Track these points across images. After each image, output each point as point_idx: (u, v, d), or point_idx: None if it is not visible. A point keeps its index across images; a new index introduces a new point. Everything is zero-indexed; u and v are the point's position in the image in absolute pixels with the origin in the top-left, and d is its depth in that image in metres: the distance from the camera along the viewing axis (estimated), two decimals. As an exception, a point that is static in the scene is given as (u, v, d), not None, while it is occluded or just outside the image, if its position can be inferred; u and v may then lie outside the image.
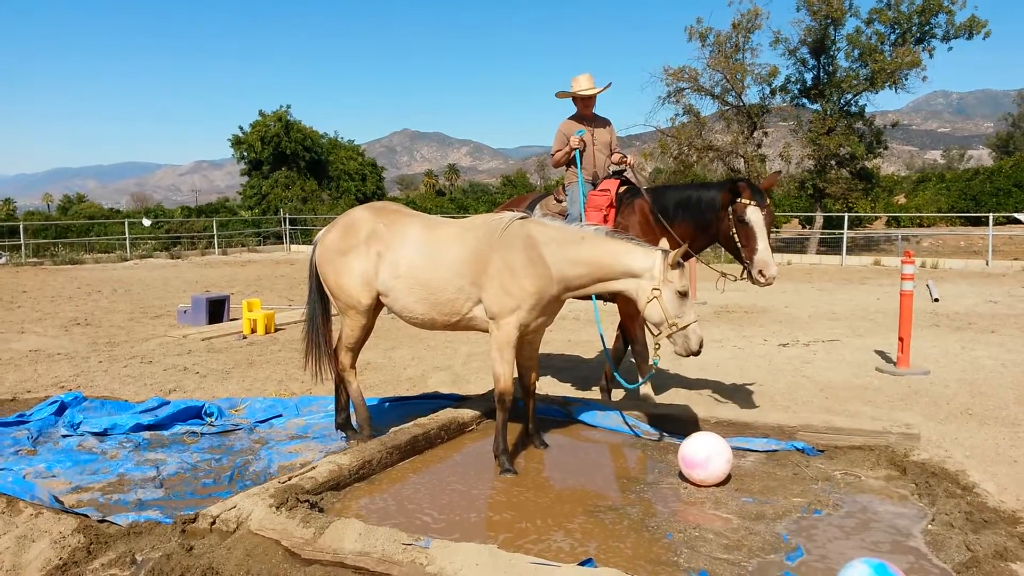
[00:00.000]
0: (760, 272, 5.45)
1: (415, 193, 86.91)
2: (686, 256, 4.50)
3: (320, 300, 5.36)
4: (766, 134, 30.23)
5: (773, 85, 29.00)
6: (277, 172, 47.49)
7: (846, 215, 25.93)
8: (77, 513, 3.85)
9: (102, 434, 5.41)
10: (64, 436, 5.40)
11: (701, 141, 29.16)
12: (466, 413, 5.34)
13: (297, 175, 47.86)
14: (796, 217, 37.16)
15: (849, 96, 27.99)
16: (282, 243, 34.88)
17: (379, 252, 4.90)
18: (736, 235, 5.52)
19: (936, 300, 13.46)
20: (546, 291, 4.45)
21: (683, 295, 4.22)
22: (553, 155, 6.40)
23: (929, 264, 21.42)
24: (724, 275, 5.93)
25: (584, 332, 10.55)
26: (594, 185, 6.26)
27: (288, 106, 47.79)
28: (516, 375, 5.11)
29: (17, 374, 7.94)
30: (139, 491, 4.35)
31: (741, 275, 5.67)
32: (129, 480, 4.54)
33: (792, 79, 29.37)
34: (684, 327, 4.24)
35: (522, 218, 4.62)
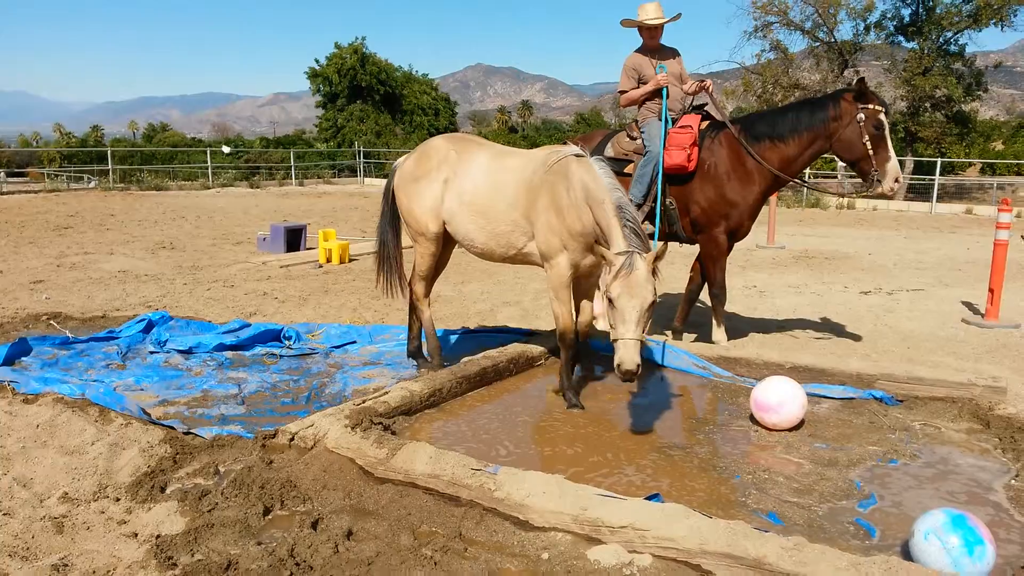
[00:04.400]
0: (896, 180, 5.48)
1: (487, 129, 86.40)
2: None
3: (392, 223, 5.39)
4: (857, 72, 28.75)
5: (868, 21, 27.63)
6: (352, 105, 47.92)
7: (938, 160, 24.63)
8: (164, 425, 4.06)
9: (187, 352, 5.65)
10: (151, 352, 5.66)
11: (788, 79, 27.98)
12: (534, 348, 5.36)
13: (372, 108, 48.21)
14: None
15: (949, 34, 26.38)
16: (356, 176, 35.27)
17: (447, 178, 4.89)
18: (868, 142, 5.45)
19: (1031, 252, 12.77)
20: (590, 234, 4.18)
21: (611, 302, 3.72)
22: (624, 93, 6.07)
23: (1025, 215, 20.29)
24: (828, 189, 5.74)
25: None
26: (672, 122, 6.01)
27: (363, 38, 48.16)
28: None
29: (107, 293, 8.32)
30: (222, 407, 4.54)
31: (870, 186, 5.54)
32: (212, 396, 4.74)
33: (888, 15, 27.89)
34: (615, 340, 3.72)
35: (577, 156, 4.33)
